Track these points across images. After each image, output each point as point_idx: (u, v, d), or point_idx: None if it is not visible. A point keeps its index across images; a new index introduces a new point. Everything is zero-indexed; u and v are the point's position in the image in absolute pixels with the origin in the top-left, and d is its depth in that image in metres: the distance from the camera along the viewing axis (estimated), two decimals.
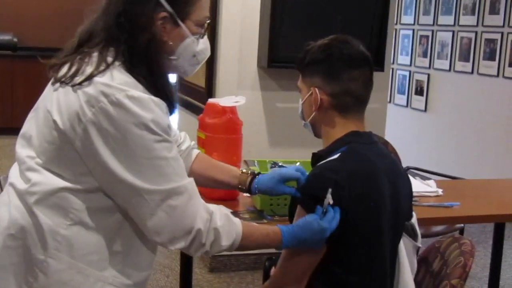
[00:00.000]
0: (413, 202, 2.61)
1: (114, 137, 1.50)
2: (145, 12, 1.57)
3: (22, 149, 1.63)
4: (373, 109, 4.12)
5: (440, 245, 1.98)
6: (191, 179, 1.60)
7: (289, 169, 1.92)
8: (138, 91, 1.53)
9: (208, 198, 2.64)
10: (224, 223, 1.60)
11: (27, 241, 1.58)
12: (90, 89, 1.52)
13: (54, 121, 1.55)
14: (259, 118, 3.93)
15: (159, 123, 1.52)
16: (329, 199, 1.65)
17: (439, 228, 3.36)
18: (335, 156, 1.78)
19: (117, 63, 1.56)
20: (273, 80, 3.92)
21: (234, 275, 4.00)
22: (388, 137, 4.38)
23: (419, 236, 1.94)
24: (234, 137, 2.56)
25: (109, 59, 1.56)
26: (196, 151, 2.02)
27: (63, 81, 1.56)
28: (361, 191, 1.73)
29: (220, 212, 1.61)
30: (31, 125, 1.64)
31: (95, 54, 1.57)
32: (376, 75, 4.09)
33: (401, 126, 6.93)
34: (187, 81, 4.43)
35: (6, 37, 8.15)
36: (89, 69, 1.55)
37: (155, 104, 1.53)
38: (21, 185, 1.60)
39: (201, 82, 4.15)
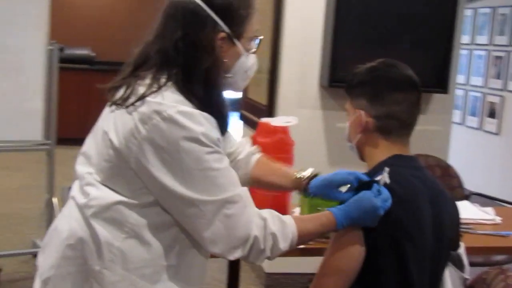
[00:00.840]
0: (467, 230, 2.56)
1: (167, 152, 1.55)
2: (206, 35, 1.61)
3: (81, 167, 1.71)
4: (436, 132, 4.06)
5: (486, 277, 1.91)
6: (245, 188, 1.63)
7: (341, 173, 1.86)
8: (188, 107, 1.58)
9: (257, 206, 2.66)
10: (279, 227, 1.62)
11: (84, 252, 1.64)
12: (143, 108, 1.58)
13: (111, 140, 1.62)
14: (318, 137, 3.93)
15: (209, 136, 1.56)
16: (385, 177, 1.65)
17: (499, 257, 3.24)
18: (378, 178, 1.77)
19: (169, 83, 1.61)
20: (334, 100, 3.91)
21: None
22: (458, 160, 4.28)
23: (467, 267, 1.89)
24: (284, 156, 2.55)
25: (162, 80, 1.61)
26: (255, 157, 2.03)
27: (118, 104, 1.63)
28: (401, 215, 1.71)
29: (272, 216, 1.63)
30: (91, 144, 1.71)
31: (149, 77, 1.63)
32: (439, 97, 4.07)
33: (472, 149, 6.74)
34: (249, 98, 4.47)
35: (84, 51, 8.49)
36: (141, 90, 1.61)
37: (205, 119, 1.58)
38: (81, 199, 1.67)
39: (262, 99, 4.18)
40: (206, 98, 1.61)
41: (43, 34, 3.53)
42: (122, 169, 1.62)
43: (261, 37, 1.74)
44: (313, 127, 3.90)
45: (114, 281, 1.62)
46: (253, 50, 1.72)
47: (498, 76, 6.55)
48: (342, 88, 3.85)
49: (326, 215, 1.70)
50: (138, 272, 1.63)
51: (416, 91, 1.85)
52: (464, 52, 6.88)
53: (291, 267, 3.90)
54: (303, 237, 1.67)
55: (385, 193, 1.68)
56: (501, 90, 6.49)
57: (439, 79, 3.89)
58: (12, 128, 3.62)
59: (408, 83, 1.84)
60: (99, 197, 1.64)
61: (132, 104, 1.60)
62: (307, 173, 1.95)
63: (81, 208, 1.66)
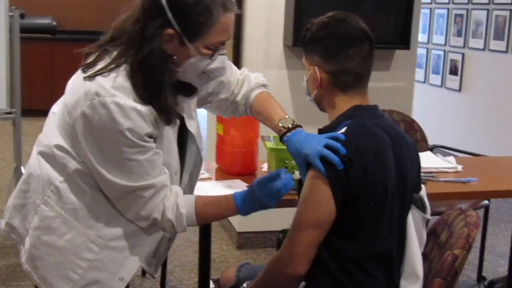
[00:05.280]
0: (430, 178, 2.65)
1: (95, 131, 1.69)
2: (152, 25, 1.67)
3: (55, 105, 1.85)
4: (400, 88, 4.14)
5: (448, 218, 1.99)
6: (162, 177, 1.78)
7: (311, 149, 1.78)
8: (129, 98, 1.67)
9: (228, 173, 2.71)
10: (175, 214, 1.81)
11: (31, 186, 1.81)
12: (91, 84, 1.68)
13: (65, 96, 1.77)
14: (285, 97, 3.96)
15: (134, 131, 1.67)
16: (297, 175, 1.76)
17: (463, 205, 3.35)
18: (342, 130, 1.81)
19: (123, 67, 1.69)
20: (298, 59, 3.94)
21: (261, 251, 4.06)
22: (421, 117, 4.36)
23: (428, 208, 1.95)
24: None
25: (121, 61, 1.70)
26: (255, 93, 2.08)
27: (84, 69, 1.73)
28: (367, 165, 1.75)
29: (173, 204, 1.80)
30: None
31: (115, 53, 1.71)
32: (402, 53, 4.13)
33: (435, 106, 6.86)
34: None
35: (45, 20, 8.33)
36: (100, 65, 1.70)
37: (138, 114, 1.67)
38: (40, 135, 1.83)
39: None
40: (146, 87, 1.69)
41: (3, 0, 3.48)
42: (67, 124, 1.74)
43: (224, 51, 1.79)
44: (279, 86, 3.93)
45: (49, 216, 1.78)
46: (211, 55, 1.74)
47: (459, 34, 6.65)
48: None
49: (227, 197, 1.87)
50: (72, 213, 1.77)
51: (368, 42, 1.84)
52: (425, 11, 6.96)
53: (262, 226, 3.97)
54: (203, 219, 1.88)
55: (287, 178, 1.83)
56: (462, 47, 6.60)
57: (401, 36, 3.95)
58: None
59: (359, 37, 1.83)
60: (48, 136, 1.79)
61: (88, 76, 1.69)
62: (287, 124, 1.95)
63: (36, 144, 1.82)
